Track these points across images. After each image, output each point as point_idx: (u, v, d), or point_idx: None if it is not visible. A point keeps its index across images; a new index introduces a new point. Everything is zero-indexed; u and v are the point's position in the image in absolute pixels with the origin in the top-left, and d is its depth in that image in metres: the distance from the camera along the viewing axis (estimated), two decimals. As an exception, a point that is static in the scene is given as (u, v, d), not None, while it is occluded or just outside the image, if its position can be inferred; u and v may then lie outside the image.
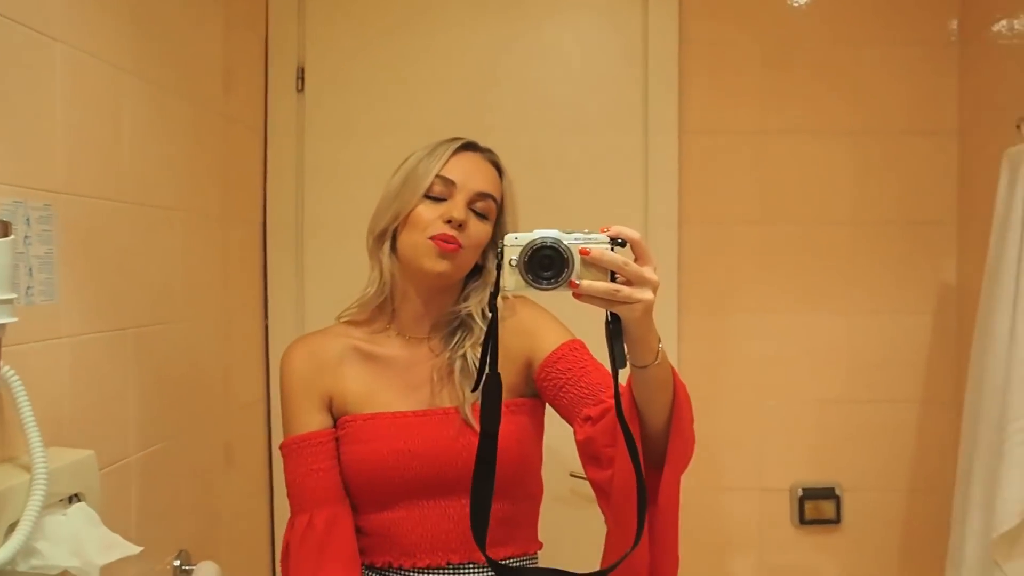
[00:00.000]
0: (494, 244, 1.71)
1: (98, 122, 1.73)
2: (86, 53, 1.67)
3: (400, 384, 1.72)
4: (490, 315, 1.42)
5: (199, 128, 2.20)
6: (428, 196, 1.66)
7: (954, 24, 2.65)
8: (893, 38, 2.66)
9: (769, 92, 2.69)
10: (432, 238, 1.63)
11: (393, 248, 1.72)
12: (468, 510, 1.48)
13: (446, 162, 1.67)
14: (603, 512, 1.54)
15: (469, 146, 1.73)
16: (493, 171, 1.74)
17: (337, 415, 1.73)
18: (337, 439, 1.70)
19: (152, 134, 1.94)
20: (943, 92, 2.66)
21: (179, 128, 2.08)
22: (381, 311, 1.77)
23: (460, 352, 1.70)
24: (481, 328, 1.69)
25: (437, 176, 1.66)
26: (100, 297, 1.72)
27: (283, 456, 1.72)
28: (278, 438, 1.77)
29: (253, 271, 2.64)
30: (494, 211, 1.71)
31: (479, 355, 1.63)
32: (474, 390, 1.49)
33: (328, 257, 2.65)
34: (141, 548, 1.47)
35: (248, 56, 2.59)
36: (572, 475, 2.44)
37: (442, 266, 1.65)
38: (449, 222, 1.63)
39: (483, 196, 1.68)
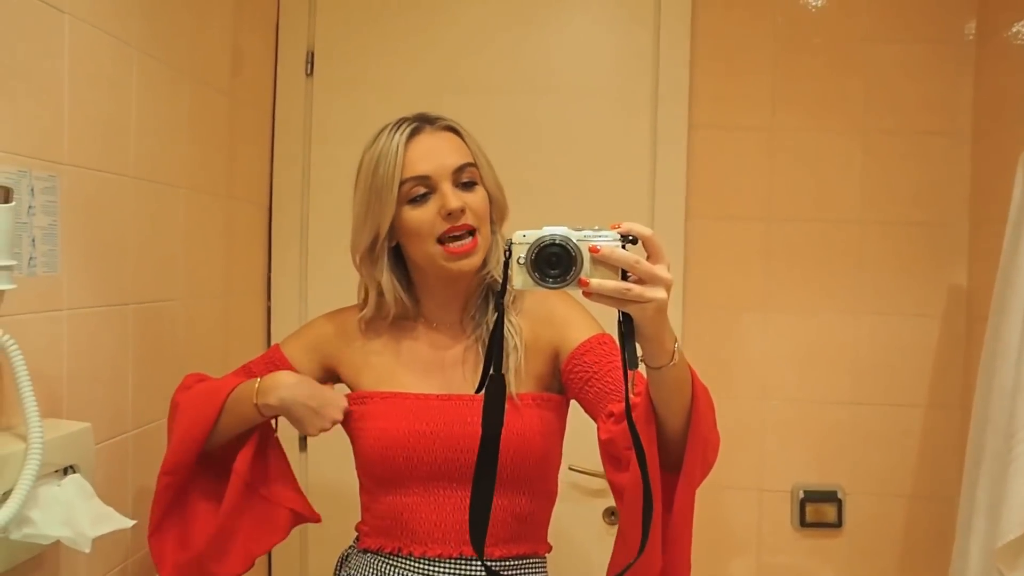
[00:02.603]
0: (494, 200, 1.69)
1: (105, 96, 1.71)
2: (95, 27, 1.66)
3: (423, 367, 1.70)
4: (499, 311, 1.39)
5: (206, 108, 2.19)
6: (410, 201, 1.61)
7: (971, 25, 2.63)
8: (909, 37, 2.64)
9: (781, 88, 2.67)
10: (443, 244, 1.60)
11: (398, 259, 1.70)
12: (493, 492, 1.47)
13: (404, 160, 1.60)
14: (619, 514, 1.49)
15: (417, 128, 1.64)
16: (454, 138, 1.66)
17: (350, 388, 1.73)
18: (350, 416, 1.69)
19: (159, 111, 1.93)
20: (958, 93, 2.63)
21: (186, 106, 2.07)
22: (404, 306, 1.73)
23: (491, 320, 1.64)
24: (510, 291, 1.66)
25: (406, 180, 1.60)
26: (102, 271, 1.71)
27: (265, 354, 1.80)
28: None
29: (257, 252, 2.63)
30: (478, 173, 1.66)
31: (510, 322, 1.64)
32: (477, 391, 1.44)
33: (333, 242, 2.62)
34: (135, 522, 1.46)
35: (258, 39, 2.58)
36: (571, 468, 2.41)
37: (471, 263, 1.62)
38: (449, 215, 1.59)
39: (461, 168, 1.63)
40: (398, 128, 1.64)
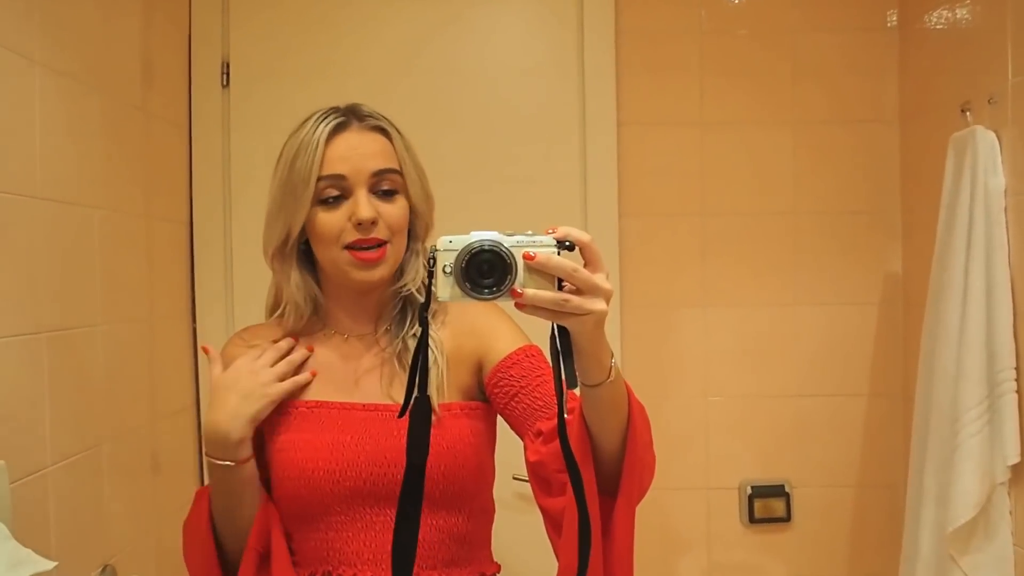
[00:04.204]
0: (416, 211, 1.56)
1: (6, 114, 1.62)
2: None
3: (343, 379, 1.58)
4: (423, 327, 1.29)
5: (118, 123, 2.10)
6: (321, 202, 1.50)
7: (893, 12, 2.64)
8: (833, 26, 2.64)
9: (707, 82, 2.65)
10: (350, 250, 1.48)
11: (307, 261, 1.58)
12: (419, 524, 1.39)
13: (323, 157, 1.47)
14: (553, 547, 1.39)
15: (343, 124, 1.51)
16: (381, 139, 1.53)
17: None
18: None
19: (66, 128, 1.85)
20: (884, 80, 2.65)
21: (96, 123, 1.99)
22: (314, 316, 1.61)
23: (408, 336, 1.55)
24: (432, 306, 1.55)
25: (321, 178, 1.47)
26: (10, 298, 1.62)
27: None
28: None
29: (180, 271, 2.55)
30: (401, 181, 1.53)
31: (431, 337, 1.53)
32: (400, 415, 1.32)
33: (258, 256, 2.52)
34: (55, 564, 1.37)
35: (170, 50, 2.50)
36: (515, 478, 2.37)
37: (376, 275, 1.51)
38: (359, 225, 1.47)
39: (381, 173, 1.50)
40: (324, 119, 1.51)
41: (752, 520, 2.62)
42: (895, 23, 2.63)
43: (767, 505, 2.62)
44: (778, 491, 2.63)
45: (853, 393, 2.65)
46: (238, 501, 1.50)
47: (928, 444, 2.18)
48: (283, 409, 1.55)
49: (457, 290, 1.15)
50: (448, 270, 1.15)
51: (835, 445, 2.65)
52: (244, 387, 1.51)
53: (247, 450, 1.50)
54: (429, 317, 1.55)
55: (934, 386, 2.16)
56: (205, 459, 1.50)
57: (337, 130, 1.50)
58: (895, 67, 2.64)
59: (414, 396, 1.30)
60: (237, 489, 1.50)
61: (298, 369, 1.57)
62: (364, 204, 1.47)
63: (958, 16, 2.33)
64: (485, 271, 1.13)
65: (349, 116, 1.53)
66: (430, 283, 1.19)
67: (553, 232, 1.14)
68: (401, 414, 1.32)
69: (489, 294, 1.13)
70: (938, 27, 2.43)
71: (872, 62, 2.65)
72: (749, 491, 2.62)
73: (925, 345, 2.24)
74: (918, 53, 2.55)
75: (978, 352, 2.04)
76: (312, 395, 1.56)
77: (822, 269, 2.65)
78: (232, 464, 1.48)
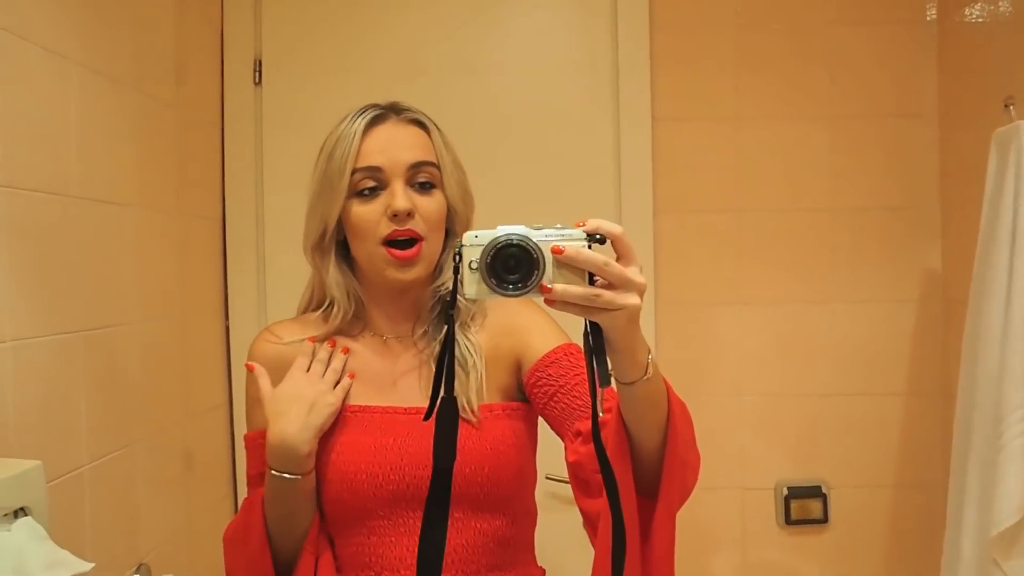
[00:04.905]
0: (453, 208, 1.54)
1: (42, 113, 1.63)
2: (27, 40, 1.57)
3: (382, 381, 1.56)
4: (448, 325, 1.25)
5: (152, 121, 2.10)
6: (357, 194, 1.48)
7: (932, 5, 2.60)
8: (870, 19, 2.61)
9: (743, 77, 2.63)
10: (386, 246, 1.47)
11: (345, 257, 1.56)
12: (461, 524, 1.36)
13: (360, 148, 1.47)
14: (594, 548, 1.34)
15: (381, 116, 1.51)
16: (419, 132, 1.53)
17: None
18: None
19: (102, 127, 1.85)
20: (922, 74, 2.61)
21: (131, 121, 1.99)
22: (353, 317, 1.58)
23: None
24: (468, 307, 1.55)
25: (357, 170, 1.47)
26: (47, 298, 1.62)
27: (247, 448, 1.56)
28: (242, 445, 1.64)
29: (213, 269, 2.55)
30: (439, 175, 1.51)
31: (467, 340, 1.51)
32: (426, 418, 1.28)
33: (290, 253, 2.53)
34: (93, 564, 1.36)
35: (203, 48, 2.50)
36: (548, 477, 2.35)
37: (412, 274, 1.49)
38: (395, 216, 1.46)
39: (418, 166, 1.49)
40: (362, 113, 1.51)
41: (788, 521, 2.59)
42: (934, 16, 2.59)
43: (804, 506, 2.59)
44: (815, 492, 2.60)
45: (890, 392, 2.61)
46: (296, 512, 1.47)
47: (970, 445, 2.14)
48: None
49: (483, 287, 1.10)
50: (474, 266, 1.10)
51: (872, 445, 2.62)
52: (308, 398, 1.48)
53: (312, 462, 1.46)
54: (468, 320, 1.55)
55: (977, 386, 2.12)
56: (268, 474, 1.46)
57: (374, 122, 1.50)
58: (934, 61, 2.60)
59: (440, 397, 1.27)
60: (298, 500, 1.47)
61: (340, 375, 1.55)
62: (400, 195, 1.46)
63: (1000, 8, 2.30)
64: (511, 266, 1.09)
65: (387, 110, 1.52)
66: (456, 280, 1.16)
67: (583, 225, 1.10)
68: (427, 416, 1.28)
69: (515, 290, 1.09)
70: (979, 20, 2.39)
71: (910, 56, 2.61)
72: (785, 492, 2.59)
73: (967, 344, 2.20)
74: (957, 46, 2.51)
75: (1022, 351, 2.00)
76: (353, 399, 1.54)
77: (859, 266, 2.62)
78: (298, 477, 1.45)
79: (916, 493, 2.61)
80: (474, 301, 1.54)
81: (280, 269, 2.59)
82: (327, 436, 1.50)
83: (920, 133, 2.61)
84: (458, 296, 1.22)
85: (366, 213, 1.48)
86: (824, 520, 2.60)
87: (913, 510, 2.61)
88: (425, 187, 1.50)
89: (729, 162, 2.63)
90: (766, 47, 2.62)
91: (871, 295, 2.61)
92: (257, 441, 1.54)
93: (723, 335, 2.64)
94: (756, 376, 2.64)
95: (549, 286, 1.07)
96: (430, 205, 1.49)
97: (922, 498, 2.59)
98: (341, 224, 1.52)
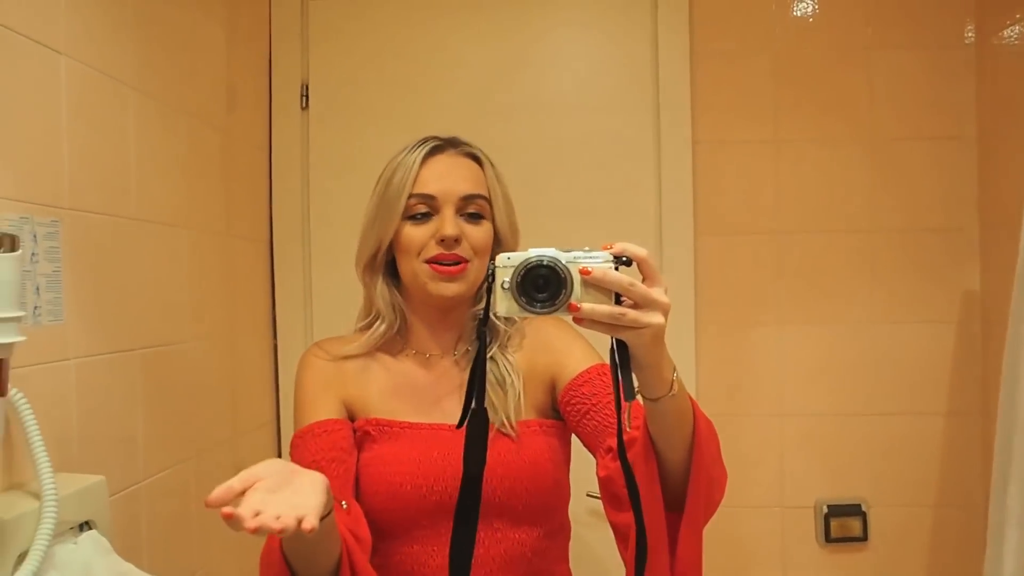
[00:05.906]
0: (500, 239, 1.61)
1: (103, 137, 1.68)
2: (90, 67, 1.63)
3: (424, 399, 1.61)
4: (480, 341, 1.33)
5: (203, 146, 2.16)
6: (411, 217, 1.55)
7: (970, 27, 2.61)
8: (908, 42, 2.62)
9: (782, 99, 2.64)
10: (429, 263, 1.54)
11: (392, 274, 1.63)
12: (500, 534, 1.39)
13: (417, 176, 1.55)
14: (624, 562, 1.39)
15: (439, 148, 1.60)
16: (473, 166, 1.61)
17: (352, 417, 1.60)
18: (356, 434, 1.57)
19: (157, 150, 1.90)
20: (961, 96, 2.61)
21: (183, 144, 2.04)
22: (396, 335, 1.65)
23: (488, 358, 1.56)
24: (506, 329, 1.61)
25: (413, 195, 1.55)
26: (106, 317, 1.67)
27: (292, 449, 1.55)
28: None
29: (260, 290, 2.59)
30: (488, 208, 1.59)
31: (506, 359, 1.57)
32: (459, 426, 1.37)
33: (336, 274, 2.60)
34: (155, 578, 1.41)
35: (251, 74, 2.55)
36: (589, 495, 2.37)
37: (452, 289, 1.55)
38: (442, 241, 1.53)
39: (470, 198, 1.56)
40: (423, 144, 1.59)
41: (828, 539, 2.60)
42: (973, 39, 2.60)
43: (843, 524, 2.59)
44: (855, 510, 2.60)
45: (930, 411, 2.62)
46: (316, 552, 1.34)
47: (1011, 464, 2.14)
48: (373, 427, 1.58)
49: (513, 304, 1.17)
50: (506, 285, 1.17)
51: (912, 464, 2.62)
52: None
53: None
54: (507, 340, 1.60)
55: (1018, 406, 2.12)
56: None
57: (433, 153, 1.58)
58: (972, 83, 2.60)
59: (472, 408, 1.34)
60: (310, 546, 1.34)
61: (372, 386, 1.60)
62: (450, 222, 1.53)
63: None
64: (540, 285, 1.16)
65: (446, 143, 1.60)
66: (488, 298, 1.23)
67: (610, 248, 1.16)
68: (460, 424, 1.35)
69: (543, 308, 1.16)
70: (1017, 42, 2.40)
71: (949, 78, 2.61)
72: (825, 510, 2.59)
73: (1008, 364, 2.20)
74: (996, 68, 2.52)
75: (1062, 372, 2.01)
76: (400, 415, 1.59)
77: (898, 287, 2.62)
78: None
79: (956, 512, 2.60)
80: (508, 319, 1.60)
81: (326, 289, 2.64)
82: (372, 446, 1.56)
83: (959, 155, 2.61)
84: (491, 314, 1.27)
85: (416, 234, 1.55)
86: (864, 538, 2.60)
87: (953, 529, 2.61)
88: (474, 217, 1.57)
89: (769, 184, 2.64)
90: (805, 70, 2.63)
91: (910, 316, 2.62)
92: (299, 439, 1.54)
93: (764, 355, 2.65)
94: (796, 396, 2.64)
95: (577, 305, 1.13)
96: (478, 233, 1.57)
97: (962, 517, 2.59)
98: (392, 246, 1.59)
